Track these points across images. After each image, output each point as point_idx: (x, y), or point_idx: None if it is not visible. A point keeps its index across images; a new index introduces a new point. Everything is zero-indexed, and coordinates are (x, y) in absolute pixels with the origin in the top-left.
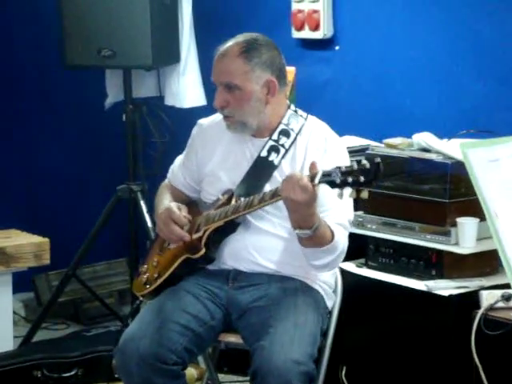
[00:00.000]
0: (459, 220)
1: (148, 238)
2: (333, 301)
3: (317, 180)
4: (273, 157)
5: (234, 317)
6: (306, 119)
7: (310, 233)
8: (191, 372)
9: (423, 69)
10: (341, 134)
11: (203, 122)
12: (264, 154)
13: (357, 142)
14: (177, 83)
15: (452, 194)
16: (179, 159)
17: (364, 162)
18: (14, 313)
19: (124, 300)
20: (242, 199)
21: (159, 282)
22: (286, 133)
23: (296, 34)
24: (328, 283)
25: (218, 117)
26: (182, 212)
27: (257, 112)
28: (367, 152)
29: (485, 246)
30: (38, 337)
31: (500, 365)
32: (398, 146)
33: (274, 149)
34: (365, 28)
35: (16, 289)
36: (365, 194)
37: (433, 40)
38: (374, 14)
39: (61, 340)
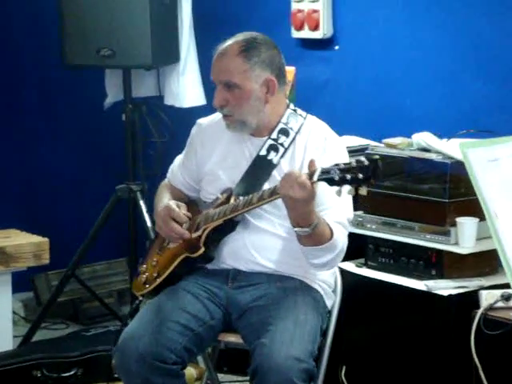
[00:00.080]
0: (459, 220)
1: (147, 238)
2: (332, 300)
3: (315, 177)
4: (272, 156)
5: (234, 316)
6: (305, 118)
7: (309, 231)
8: (191, 372)
9: (423, 68)
10: (340, 133)
11: (202, 121)
12: (263, 153)
13: (356, 141)
14: (176, 83)
15: (452, 193)
16: (179, 159)
17: (362, 159)
18: (14, 312)
19: (123, 300)
20: (241, 198)
21: (158, 281)
22: (285, 132)
23: (296, 34)
24: (327, 283)
25: (217, 116)
26: (181, 210)
27: (256, 111)
28: (367, 152)
29: (484, 246)
30: (37, 337)
31: (499, 364)
32: (397, 145)
33: (273, 148)
34: (364, 28)
35: (15, 288)
36: (363, 191)
37: (433, 40)
38: (374, 13)
39: (60, 340)
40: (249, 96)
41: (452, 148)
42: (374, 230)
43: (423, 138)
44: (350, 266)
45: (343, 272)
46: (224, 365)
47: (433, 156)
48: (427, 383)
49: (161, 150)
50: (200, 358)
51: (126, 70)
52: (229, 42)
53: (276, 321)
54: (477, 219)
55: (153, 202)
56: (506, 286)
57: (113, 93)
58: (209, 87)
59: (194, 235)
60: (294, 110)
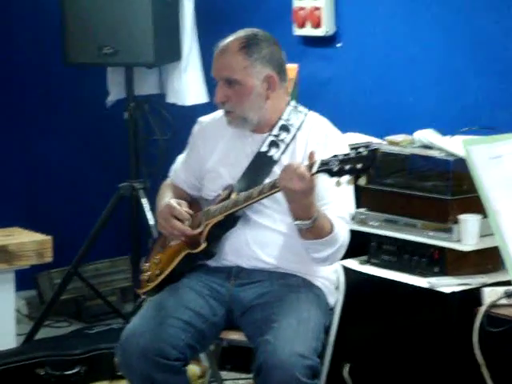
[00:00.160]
0: (461, 217)
1: (150, 236)
2: (334, 297)
3: (315, 169)
4: (273, 152)
5: (237, 314)
6: (306, 115)
7: (310, 223)
8: (194, 369)
9: (425, 66)
10: (343, 130)
11: (203, 119)
12: (264, 149)
13: (359, 138)
14: (179, 81)
15: (454, 190)
16: (181, 158)
17: (361, 149)
18: (17, 311)
19: (126, 298)
20: (242, 194)
21: (161, 278)
22: (286, 128)
23: (298, 32)
24: (330, 280)
25: (218, 114)
26: (182, 207)
27: (257, 107)
28: (365, 142)
29: (487, 243)
30: (40, 334)
31: (502, 362)
32: (399, 143)
33: (274, 144)
34: (367, 25)
35: (18, 287)
36: (362, 181)
37: (435, 37)
38: (376, 11)
39: (63, 338)
40: (250, 92)
41: (454, 145)
42: (377, 228)
43: (425, 135)
44: (352, 264)
45: (346, 269)
46: (227, 362)
47: (435, 153)
48: (430, 380)
49: (163, 147)
50: (203, 356)
51: (129, 68)
52: (230, 39)
53: (279, 318)
54: (479, 216)
55: (155, 200)
56: (509, 283)
57: (115, 91)
58: (211, 85)
59: (196, 231)
60: (295, 107)
